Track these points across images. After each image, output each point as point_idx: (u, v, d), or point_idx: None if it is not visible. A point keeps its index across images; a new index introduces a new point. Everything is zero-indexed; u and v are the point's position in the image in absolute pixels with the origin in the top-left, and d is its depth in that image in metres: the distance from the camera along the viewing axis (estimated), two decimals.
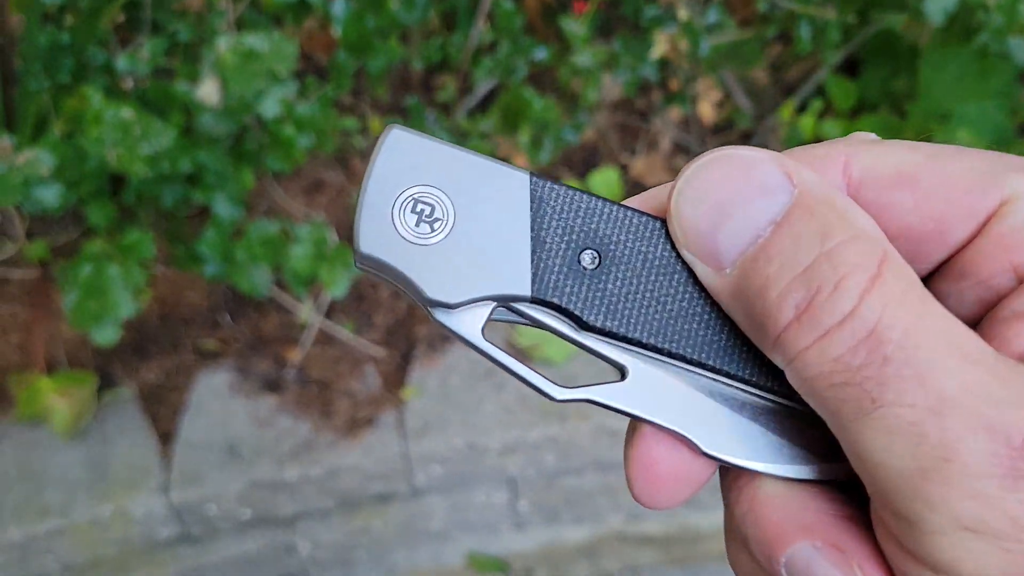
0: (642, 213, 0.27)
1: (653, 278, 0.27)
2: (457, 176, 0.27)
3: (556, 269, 0.27)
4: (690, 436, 0.27)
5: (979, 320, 0.26)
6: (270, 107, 1.30)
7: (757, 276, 0.23)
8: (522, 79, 1.48)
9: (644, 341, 0.27)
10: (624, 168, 1.73)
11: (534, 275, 0.27)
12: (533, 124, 1.47)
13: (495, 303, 0.27)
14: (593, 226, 0.27)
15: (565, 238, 0.27)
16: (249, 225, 1.42)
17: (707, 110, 1.68)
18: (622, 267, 0.27)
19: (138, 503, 1.43)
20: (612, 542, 1.61)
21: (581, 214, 0.27)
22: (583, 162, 1.74)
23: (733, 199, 0.24)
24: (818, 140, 1.62)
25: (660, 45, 1.45)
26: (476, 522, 1.56)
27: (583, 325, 0.28)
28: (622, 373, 0.28)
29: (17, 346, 1.57)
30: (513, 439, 1.45)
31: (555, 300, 0.27)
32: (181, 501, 1.44)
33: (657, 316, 0.27)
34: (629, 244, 0.27)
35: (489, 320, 0.28)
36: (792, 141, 1.59)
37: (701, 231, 0.24)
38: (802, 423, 0.28)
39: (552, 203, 0.27)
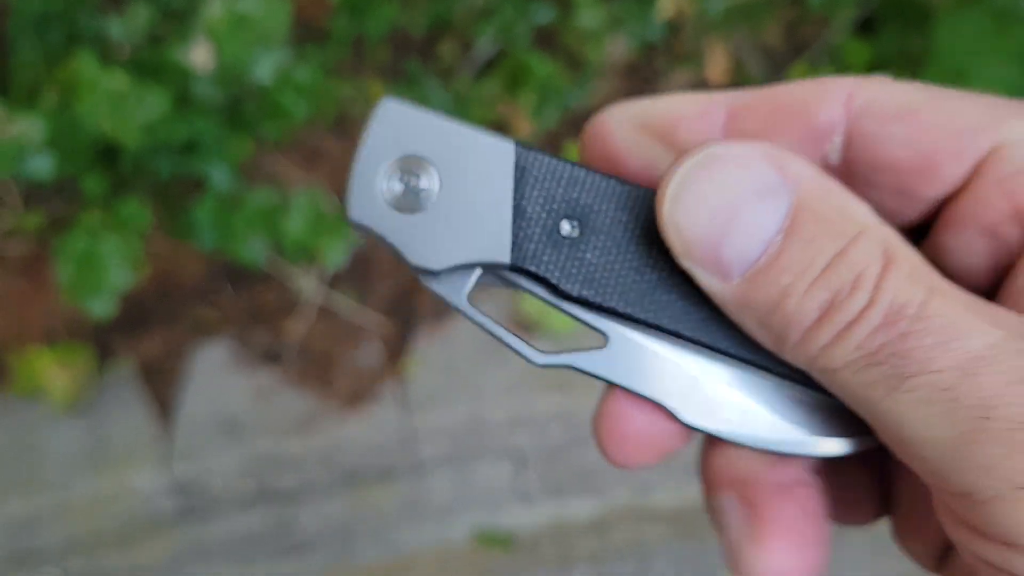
0: (623, 182, 0.28)
1: (633, 248, 0.27)
2: (444, 146, 0.27)
3: (535, 238, 0.27)
4: (668, 405, 0.28)
5: (992, 275, 0.26)
6: (264, 72, 1.27)
7: (772, 286, 0.23)
8: (525, 43, 1.45)
9: (621, 311, 0.27)
10: None
11: (514, 243, 0.27)
12: (536, 89, 1.44)
13: (480, 269, 0.28)
14: (575, 195, 0.27)
15: (546, 207, 0.27)
16: (246, 194, 1.40)
17: (716, 73, 1.64)
18: (602, 237, 0.27)
19: (139, 477, 1.43)
20: (620, 516, 1.59)
21: (563, 183, 0.27)
22: None
23: (733, 205, 0.23)
24: None
25: (666, 6, 1.42)
26: (481, 496, 1.55)
27: (559, 293, 0.28)
28: (606, 340, 0.28)
29: (15, 320, 1.56)
30: (519, 412, 1.43)
31: (532, 268, 0.27)
32: (182, 475, 1.43)
33: (635, 286, 0.27)
34: (610, 214, 0.27)
35: (477, 285, 0.28)
36: None
37: (703, 242, 0.24)
38: (787, 393, 0.28)
39: (535, 172, 0.27)
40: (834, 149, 0.27)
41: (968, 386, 0.20)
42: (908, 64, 1.56)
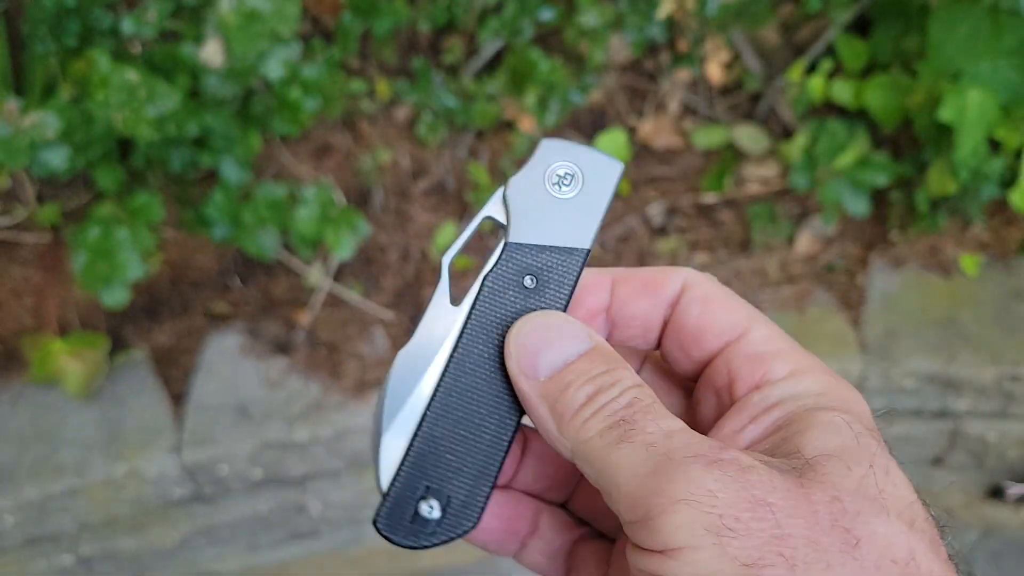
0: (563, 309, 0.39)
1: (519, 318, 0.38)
2: (589, 192, 0.38)
3: (518, 260, 0.38)
4: (399, 358, 0.38)
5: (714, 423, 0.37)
6: (274, 68, 1.30)
7: (562, 381, 0.34)
8: (528, 40, 1.47)
9: (468, 319, 0.38)
10: (632, 130, 1.72)
11: (515, 244, 0.38)
12: (540, 85, 1.46)
13: (504, 223, 0.39)
14: (555, 276, 0.38)
15: (543, 264, 0.38)
16: (256, 188, 1.43)
17: (716, 71, 1.66)
18: (524, 302, 0.38)
19: (151, 463, 1.45)
20: None
21: (558, 278, 0.38)
22: (591, 124, 1.73)
23: (553, 338, 0.36)
24: (828, 102, 1.61)
25: (667, 4, 1.44)
26: None
27: (484, 280, 0.38)
28: (456, 309, 0.39)
29: (30, 309, 1.58)
30: None
31: (498, 255, 0.38)
32: (193, 461, 1.46)
33: (494, 328, 0.38)
34: (541, 306, 0.38)
35: (493, 220, 0.39)
36: (801, 102, 1.58)
37: (528, 353, 0.36)
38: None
39: (564, 264, 0.38)
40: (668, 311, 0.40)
41: (664, 442, 0.31)
42: (905, 63, 1.58)
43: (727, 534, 0.28)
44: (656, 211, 1.66)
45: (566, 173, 0.38)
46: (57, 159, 1.36)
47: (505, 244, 0.38)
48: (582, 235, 0.38)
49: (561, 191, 0.38)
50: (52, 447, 1.48)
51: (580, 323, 0.37)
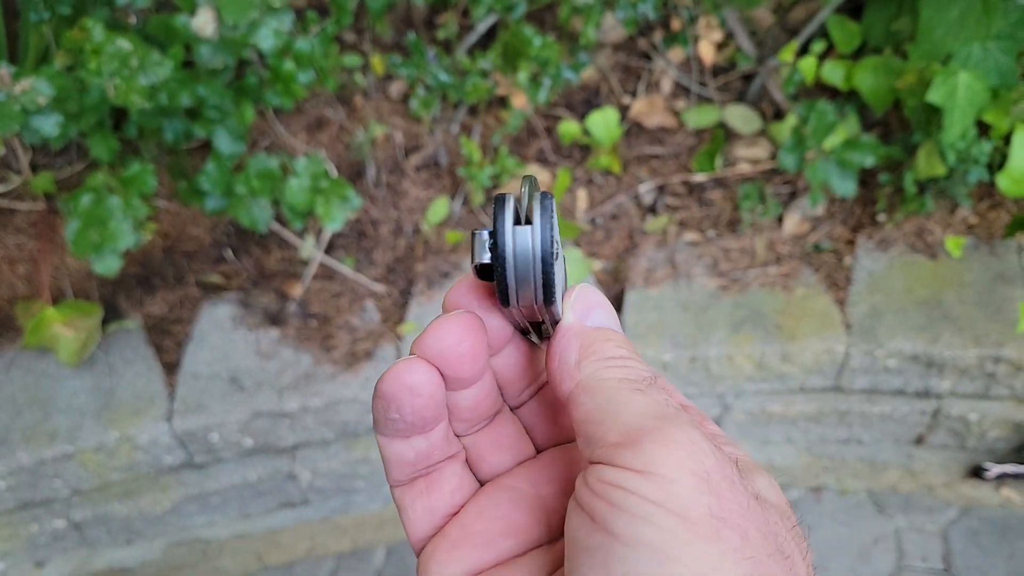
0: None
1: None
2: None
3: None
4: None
5: None
6: (265, 38, 1.30)
7: (604, 334, 0.38)
8: (522, 16, 1.47)
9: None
10: (624, 108, 1.73)
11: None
12: (532, 62, 1.47)
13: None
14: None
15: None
16: (249, 160, 1.43)
17: (708, 51, 1.67)
18: None
19: (143, 431, 1.47)
20: None
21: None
22: (583, 102, 1.74)
23: (609, 310, 0.39)
24: (819, 83, 1.61)
25: None
26: None
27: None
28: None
29: (23, 276, 1.59)
30: None
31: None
32: (184, 429, 1.47)
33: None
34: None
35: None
36: (792, 83, 1.58)
37: (587, 302, 0.39)
38: None
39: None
40: None
41: (675, 410, 0.33)
42: (896, 45, 1.59)
43: (706, 486, 0.30)
44: (646, 189, 1.67)
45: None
46: (49, 126, 1.37)
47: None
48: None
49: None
50: (45, 413, 1.49)
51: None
